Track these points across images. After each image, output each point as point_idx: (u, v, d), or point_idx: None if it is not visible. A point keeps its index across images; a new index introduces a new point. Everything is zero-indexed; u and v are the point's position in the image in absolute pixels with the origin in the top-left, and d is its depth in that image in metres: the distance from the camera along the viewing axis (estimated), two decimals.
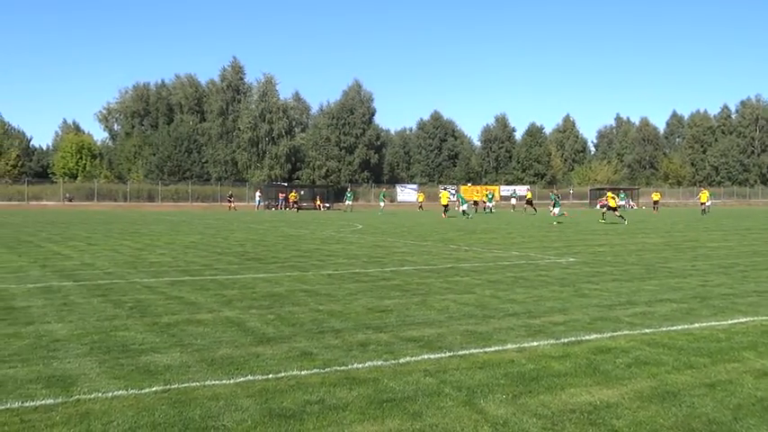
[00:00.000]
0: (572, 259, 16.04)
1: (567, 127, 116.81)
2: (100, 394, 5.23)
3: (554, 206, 38.68)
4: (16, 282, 11.45)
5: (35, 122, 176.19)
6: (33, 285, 11.06)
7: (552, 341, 7.23)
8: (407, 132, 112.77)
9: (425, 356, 6.55)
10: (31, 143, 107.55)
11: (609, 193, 39.38)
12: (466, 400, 5.21)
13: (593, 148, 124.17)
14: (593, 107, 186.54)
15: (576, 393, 5.40)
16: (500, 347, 6.95)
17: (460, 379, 5.80)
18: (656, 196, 62.12)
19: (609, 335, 7.57)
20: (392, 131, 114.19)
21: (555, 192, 46.98)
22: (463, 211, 44.22)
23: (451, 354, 6.65)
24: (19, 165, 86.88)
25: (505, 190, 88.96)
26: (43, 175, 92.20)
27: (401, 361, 6.36)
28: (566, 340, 7.27)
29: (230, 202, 64.95)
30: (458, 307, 9.39)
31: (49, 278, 12.00)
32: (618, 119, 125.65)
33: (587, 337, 7.42)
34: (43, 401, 5.05)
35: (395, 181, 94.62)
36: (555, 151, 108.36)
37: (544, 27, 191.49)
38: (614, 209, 34.91)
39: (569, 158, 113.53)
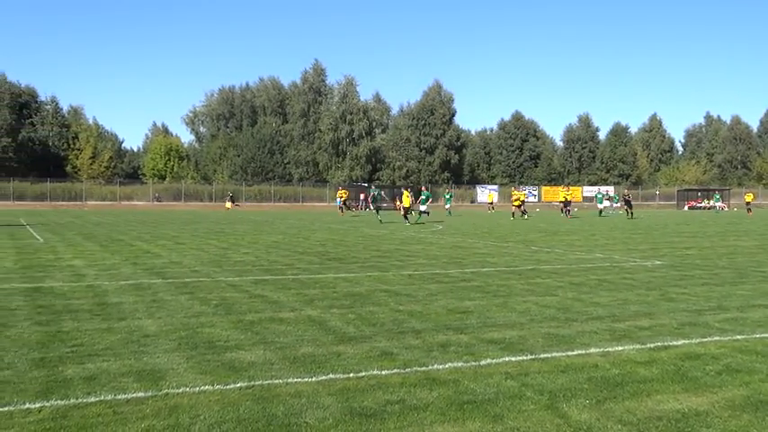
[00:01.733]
0: (658, 262, 15.58)
1: (654, 126, 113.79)
2: (187, 389, 5.39)
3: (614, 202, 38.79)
4: (109, 278, 11.91)
5: (127, 125, 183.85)
6: (125, 282, 11.48)
7: (638, 346, 7.04)
8: (488, 133, 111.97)
9: (506, 359, 6.48)
10: (123, 145, 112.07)
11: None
12: (548, 404, 5.13)
13: (680, 148, 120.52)
14: (681, 105, 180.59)
15: (663, 400, 5.24)
16: (583, 351, 6.81)
17: (542, 382, 5.71)
18: (748, 197, 59.56)
19: (698, 341, 7.31)
20: (472, 132, 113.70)
21: (625, 193, 45.85)
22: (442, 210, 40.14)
23: (533, 357, 6.57)
24: (112, 166, 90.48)
25: (588, 191, 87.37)
26: (134, 176, 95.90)
27: (482, 363, 6.31)
28: (652, 345, 7.06)
29: (232, 202, 64.95)
30: (539, 309, 9.25)
31: (140, 275, 12.43)
32: (708, 117, 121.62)
33: (675, 343, 7.19)
34: (134, 394, 5.23)
35: (475, 182, 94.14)
36: (641, 151, 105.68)
37: (630, 25, 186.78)
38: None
39: (655, 158, 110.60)
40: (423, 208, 36.94)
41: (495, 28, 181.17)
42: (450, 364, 6.26)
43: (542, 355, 6.61)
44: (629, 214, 43.69)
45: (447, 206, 50.80)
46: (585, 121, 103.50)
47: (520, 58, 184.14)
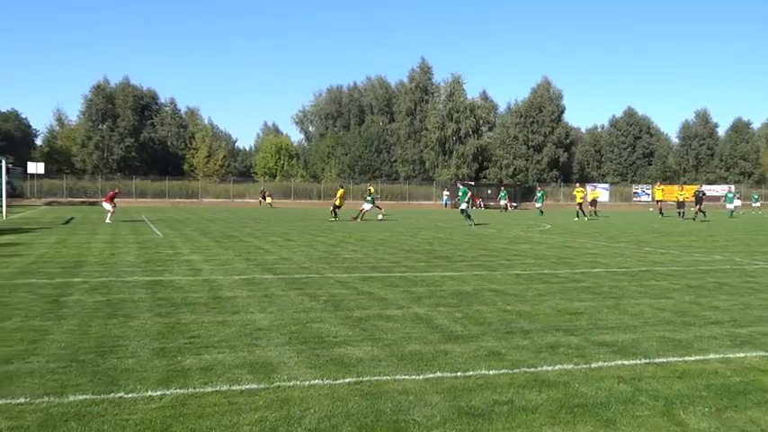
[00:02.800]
0: None
1: None
2: (298, 382, 5.52)
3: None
4: (223, 273, 12.35)
5: (240, 125, 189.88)
6: (238, 277, 11.87)
7: (762, 353, 6.69)
8: (598, 130, 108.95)
9: (619, 362, 6.30)
10: (236, 145, 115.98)
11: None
12: (664, 411, 4.95)
13: None
14: None
15: None
16: (701, 357, 6.53)
17: (657, 388, 5.52)
18: None
19: None
20: (582, 129, 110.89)
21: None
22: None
23: (647, 361, 6.35)
24: (225, 165, 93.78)
25: (706, 190, 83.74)
26: (246, 174, 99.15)
27: (593, 366, 6.16)
28: None
29: (264, 197, 65.74)
30: (654, 312, 8.94)
31: (252, 271, 12.82)
32: None
33: None
34: (248, 386, 5.40)
35: (585, 180, 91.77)
36: (764, 148, 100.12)
37: (750, 15, 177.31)
38: None
39: None
40: (463, 206, 32.25)
41: (606, 22, 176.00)
42: (559, 365, 6.15)
43: (657, 360, 6.38)
44: (698, 214, 38.81)
45: (538, 205, 48.50)
46: (703, 117, 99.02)
47: (632, 53, 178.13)
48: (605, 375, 5.86)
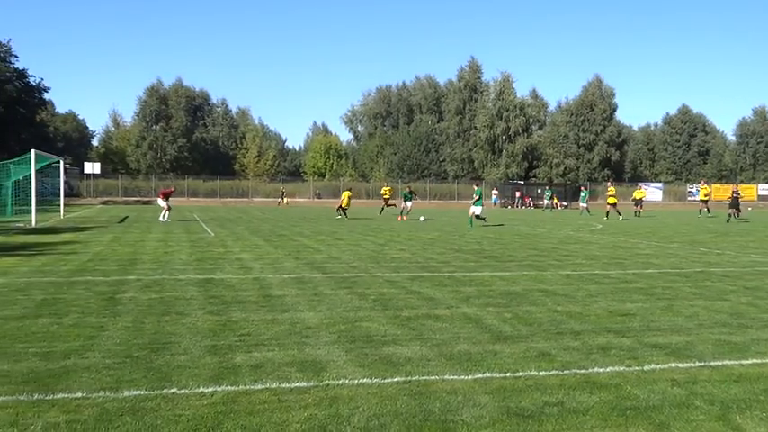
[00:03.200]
0: None
1: None
2: (347, 381, 5.54)
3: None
4: (273, 272, 12.47)
5: (290, 125, 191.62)
6: (288, 276, 11.98)
7: None
8: (652, 128, 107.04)
9: (672, 365, 6.18)
10: (286, 144, 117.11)
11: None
12: (719, 415, 4.84)
13: None
14: None
15: None
16: (759, 360, 6.37)
17: (712, 392, 5.39)
18: None
19: None
20: (635, 127, 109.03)
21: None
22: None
23: (702, 364, 6.21)
24: (275, 164, 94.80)
25: (764, 189, 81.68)
26: (296, 173, 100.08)
27: (645, 368, 6.05)
28: None
29: (282, 198, 65.54)
30: (709, 314, 8.74)
31: (302, 269, 12.92)
32: None
33: None
34: (297, 384, 5.44)
35: (637, 179, 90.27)
36: None
37: None
38: None
39: None
40: (478, 211, 28.76)
41: (659, 18, 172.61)
42: (611, 367, 6.05)
43: (712, 363, 6.24)
44: (732, 215, 35.73)
45: (583, 204, 47.03)
46: (762, 114, 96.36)
47: (687, 50, 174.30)
48: (658, 378, 5.76)
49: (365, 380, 5.57)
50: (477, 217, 28.66)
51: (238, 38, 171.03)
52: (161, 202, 30.67)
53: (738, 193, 37.83)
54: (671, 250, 18.16)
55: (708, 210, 41.23)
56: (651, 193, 79.58)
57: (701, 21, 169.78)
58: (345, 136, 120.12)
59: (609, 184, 42.58)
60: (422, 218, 34.89)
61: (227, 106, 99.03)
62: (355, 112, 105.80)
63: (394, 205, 40.03)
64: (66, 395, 5.05)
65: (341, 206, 35.52)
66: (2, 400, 4.91)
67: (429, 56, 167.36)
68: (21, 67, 73.53)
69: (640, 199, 44.54)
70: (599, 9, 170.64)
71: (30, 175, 26.95)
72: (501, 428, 4.54)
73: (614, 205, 38.92)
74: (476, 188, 30.24)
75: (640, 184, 74.68)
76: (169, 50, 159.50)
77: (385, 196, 39.97)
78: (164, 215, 29.88)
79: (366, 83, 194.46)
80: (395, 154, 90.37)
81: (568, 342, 7.02)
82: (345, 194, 36.08)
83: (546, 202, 60.05)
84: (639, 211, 43.35)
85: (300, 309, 8.73)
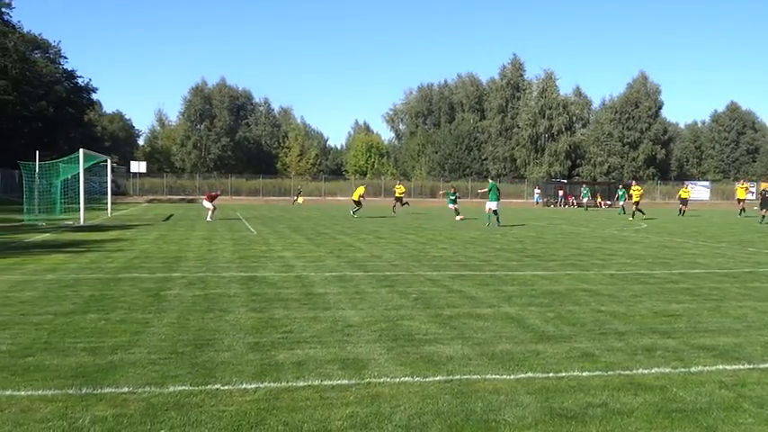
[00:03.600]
0: None
1: None
2: (388, 379, 5.55)
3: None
4: (315, 270, 12.54)
5: (331, 124, 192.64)
6: (329, 274, 12.04)
7: None
8: (699, 125, 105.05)
9: (720, 367, 6.06)
10: (328, 143, 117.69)
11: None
12: None
13: None
14: None
15: None
16: None
17: (762, 395, 5.28)
18: None
19: None
20: (681, 125, 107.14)
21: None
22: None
23: (751, 366, 6.09)
24: (317, 163, 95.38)
25: None
26: (337, 172, 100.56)
27: (692, 370, 5.95)
28: None
29: (298, 195, 64.69)
30: (758, 316, 8.55)
31: (343, 268, 12.97)
32: None
33: None
34: (339, 381, 5.47)
35: (683, 178, 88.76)
36: None
37: None
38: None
39: None
40: (494, 207, 27.76)
41: (707, 12, 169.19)
42: (656, 369, 5.96)
43: (762, 366, 6.11)
44: (765, 216, 33.51)
45: (621, 203, 45.83)
46: None
47: (736, 45, 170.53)
48: (705, 380, 5.65)
49: (407, 378, 5.57)
50: (495, 212, 27.65)
51: (281, 38, 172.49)
52: (206, 204, 31.02)
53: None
54: (718, 250, 17.81)
55: (743, 210, 40.15)
56: (698, 191, 78.11)
57: (751, 15, 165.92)
58: (387, 134, 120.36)
59: (634, 183, 40.83)
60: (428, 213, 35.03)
61: (269, 105, 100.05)
62: (397, 111, 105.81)
63: (407, 203, 40.10)
64: (113, 390, 5.15)
65: (355, 201, 35.41)
66: (52, 394, 5.03)
67: (471, 54, 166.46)
68: (70, 68, 75.30)
69: (686, 198, 43.48)
70: (644, 4, 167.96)
71: (78, 173, 27.52)
72: (544, 429, 4.51)
73: (637, 203, 37.37)
74: (490, 182, 29.48)
75: (687, 182, 73.28)
76: (213, 51, 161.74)
77: (397, 194, 39.98)
78: (210, 215, 30.27)
79: (408, 81, 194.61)
80: (436, 152, 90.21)
81: (612, 343, 6.93)
82: (360, 190, 35.79)
83: (585, 200, 58.65)
84: (684, 210, 42.19)
85: (342, 307, 8.77)
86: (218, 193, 33.96)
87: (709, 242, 20.52)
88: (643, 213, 36.84)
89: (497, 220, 27.26)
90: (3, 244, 16.97)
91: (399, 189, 40.52)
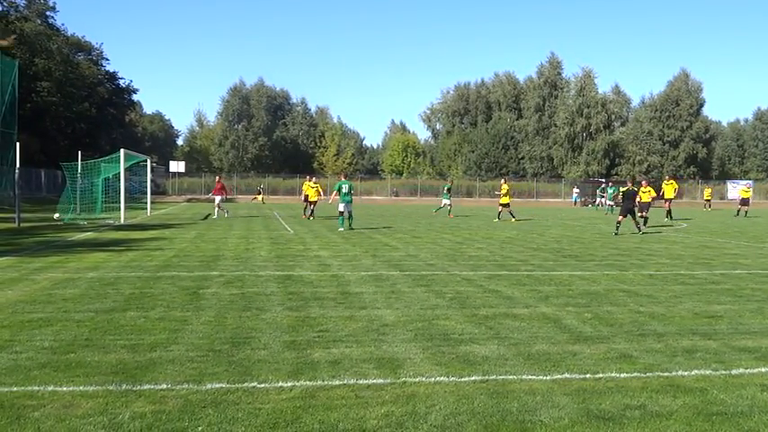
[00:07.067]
0: None
1: None
2: (423, 378, 5.55)
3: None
4: (351, 269, 12.58)
5: (368, 124, 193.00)
6: (365, 273, 12.06)
7: None
8: (741, 124, 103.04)
9: (762, 370, 5.95)
10: (364, 143, 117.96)
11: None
12: None
13: None
14: None
15: None
16: None
17: None
18: None
19: None
20: (724, 123, 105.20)
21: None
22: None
23: None
24: (354, 162, 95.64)
25: None
26: (374, 171, 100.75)
27: (733, 372, 5.84)
28: None
29: (259, 192, 61.63)
30: None
31: (379, 267, 12.99)
32: None
33: None
34: (374, 380, 5.48)
35: (725, 177, 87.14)
36: None
37: None
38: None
39: None
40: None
41: (748, 8, 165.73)
42: (696, 371, 5.87)
43: None
44: None
45: (610, 202, 43.31)
46: None
47: None
48: (747, 383, 5.55)
49: (442, 378, 5.56)
50: (506, 206, 30.12)
51: (318, 38, 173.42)
52: (216, 198, 30.55)
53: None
54: (761, 250, 17.46)
55: (741, 211, 39.05)
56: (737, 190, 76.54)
57: None
58: (423, 134, 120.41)
59: (644, 183, 38.13)
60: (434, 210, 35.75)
61: (306, 105, 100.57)
62: (434, 110, 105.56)
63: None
64: (152, 386, 5.23)
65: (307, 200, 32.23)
66: (92, 390, 5.12)
67: (508, 52, 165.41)
68: (111, 70, 76.55)
69: (747, 198, 41.37)
70: (685, 0, 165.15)
71: (119, 173, 27.98)
72: (580, 430, 4.47)
73: (670, 201, 35.76)
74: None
75: (745, 181, 71.36)
76: (251, 51, 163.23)
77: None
78: (225, 212, 30.42)
79: (445, 80, 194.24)
80: (473, 152, 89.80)
81: (651, 344, 6.84)
82: (306, 186, 32.44)
83: (606, 201, 49.43)
84: (746, 211, 39.81)
85: (378, 306, 8.78)
86: (221, 185, 30.92)
87: (751, 242, 20.13)
88: (671, 218, 32.96)
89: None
90: (47, 242, 17.33)
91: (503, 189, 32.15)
